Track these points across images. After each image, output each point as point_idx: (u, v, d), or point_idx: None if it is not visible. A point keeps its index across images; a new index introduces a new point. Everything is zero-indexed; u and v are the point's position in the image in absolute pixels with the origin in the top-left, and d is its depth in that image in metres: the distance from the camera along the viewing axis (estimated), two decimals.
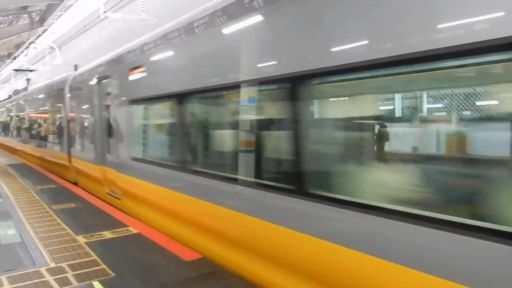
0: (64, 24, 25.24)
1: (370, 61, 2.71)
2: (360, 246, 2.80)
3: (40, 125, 14.32)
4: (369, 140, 3.77)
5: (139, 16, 16.28)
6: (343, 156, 3.67)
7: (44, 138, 13.23)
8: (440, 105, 3.63)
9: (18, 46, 27.67)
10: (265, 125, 4.12)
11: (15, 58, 31.16)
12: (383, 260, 2.64)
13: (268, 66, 3.72)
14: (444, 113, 3.57)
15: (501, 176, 2.68)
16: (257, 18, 3.81)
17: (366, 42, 2.81)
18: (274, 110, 4.04)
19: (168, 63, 5.52)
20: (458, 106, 3.24)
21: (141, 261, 4.32)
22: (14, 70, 23.34)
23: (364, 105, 3.81)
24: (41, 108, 14.13)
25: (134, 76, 6.36)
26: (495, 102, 3.10)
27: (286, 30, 3.50)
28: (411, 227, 2.50)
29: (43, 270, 4.07)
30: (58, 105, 11.46)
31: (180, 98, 5.02)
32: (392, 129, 3.77)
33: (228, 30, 4.22)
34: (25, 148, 16.59)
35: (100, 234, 5.28)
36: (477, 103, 3.13)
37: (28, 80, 20.35)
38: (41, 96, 14.04)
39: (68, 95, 10.64)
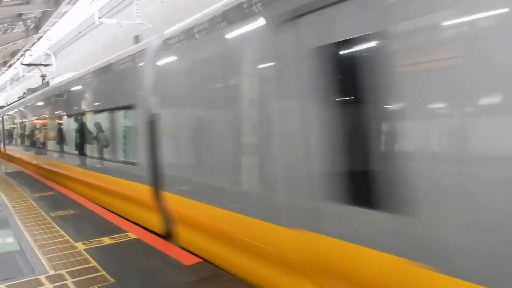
0: (59, 31, 25.19)
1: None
2: None
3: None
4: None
5: (134, 22, 16.29)
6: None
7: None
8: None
9: (13, 54, 27.58)
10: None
11: (10, 66, 31.05)
12: None
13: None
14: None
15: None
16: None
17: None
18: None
19: None
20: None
21: (141, 267, 4.31)
22: (24, 64, 22.28)
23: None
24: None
25: None
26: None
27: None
28: None
29: (42, 278, 4.05)
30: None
31: None
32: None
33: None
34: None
35: (99, 241, 5.27)
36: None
37: (43, 76, 19.00)
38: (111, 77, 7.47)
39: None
